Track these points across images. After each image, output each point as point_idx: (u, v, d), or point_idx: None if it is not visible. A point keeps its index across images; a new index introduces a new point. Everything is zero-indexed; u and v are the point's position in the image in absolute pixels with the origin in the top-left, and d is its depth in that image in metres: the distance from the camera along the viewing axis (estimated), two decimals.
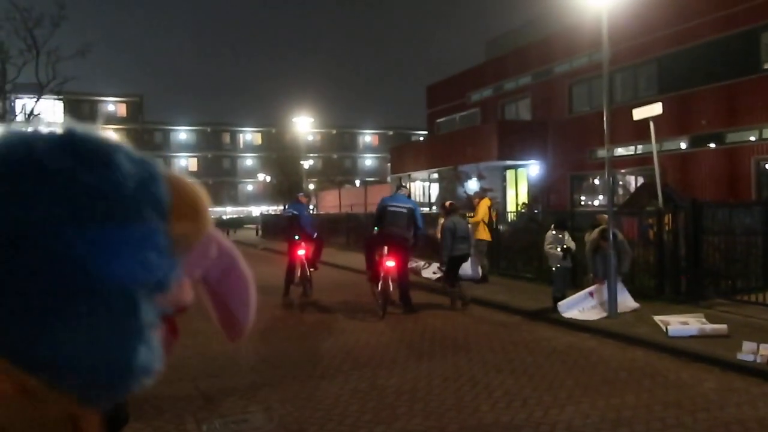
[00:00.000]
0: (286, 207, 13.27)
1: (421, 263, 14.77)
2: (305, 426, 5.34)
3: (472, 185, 25.40)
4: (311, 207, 49.26)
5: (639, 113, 11.98)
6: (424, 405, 5.75)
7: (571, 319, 9.15)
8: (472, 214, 13.25)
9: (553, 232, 10.16)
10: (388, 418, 5.42)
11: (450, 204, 11.44)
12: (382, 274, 10.22)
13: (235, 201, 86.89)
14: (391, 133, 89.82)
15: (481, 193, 16.51)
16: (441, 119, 36.32)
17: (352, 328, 9.45)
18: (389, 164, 43.33)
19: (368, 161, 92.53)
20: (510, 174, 27.98)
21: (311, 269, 12.30)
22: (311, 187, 64.21)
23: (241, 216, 71.32)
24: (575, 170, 24.71)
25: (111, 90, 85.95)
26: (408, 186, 36.60)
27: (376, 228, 10.49)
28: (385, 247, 10.28)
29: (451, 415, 5.47)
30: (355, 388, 6.33)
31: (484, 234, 12.88)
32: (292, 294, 11.94)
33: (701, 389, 6.08)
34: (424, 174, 34.80)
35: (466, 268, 13.16)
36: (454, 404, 5.75)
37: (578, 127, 24.19)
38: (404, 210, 10.29)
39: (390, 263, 10.12)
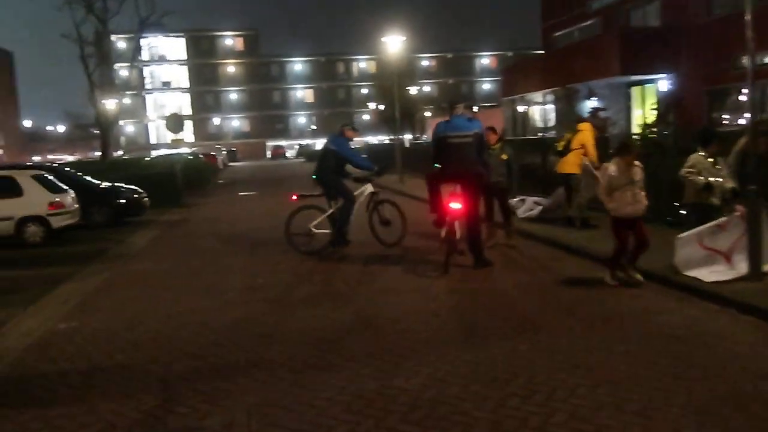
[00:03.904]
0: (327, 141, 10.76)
1: (513, 199, 12.46)
2: None
3: (590, 105, 22.24)
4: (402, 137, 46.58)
5: None
6: None
7: (695, 279, 6.72)
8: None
9: (701, 153, 7.39)
10: None
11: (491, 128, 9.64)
12: (447, 219, 8.23)
13: (359, 132, 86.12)
14: (510, 54, 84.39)
15: (593, 113, 13.78)
16: (558, 33, 32.47)
17: (401, 287, 7.60)
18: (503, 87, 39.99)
19: (486, 85, 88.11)
20: (636, 91, 24.26)
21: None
22: (427, 114, 61.77)
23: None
24: (714, 84, 20.76)
25: (228, 24, 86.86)
26: (525, 110, 33.54)
27: (436, 165, 8.42)
28: (452, 185, 8.24)
29: None
30: (360, 389, 4.52)
31: (570, 167, 10.30)
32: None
33: None
34: (539, 95, 31.47)
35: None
36: None
37: (719, 32, 20.09)
38: (469, 138, 8.09)
39: (455, 205, 8.06)
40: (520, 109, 33.90)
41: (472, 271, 8.15)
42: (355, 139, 10.62)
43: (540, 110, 32.55)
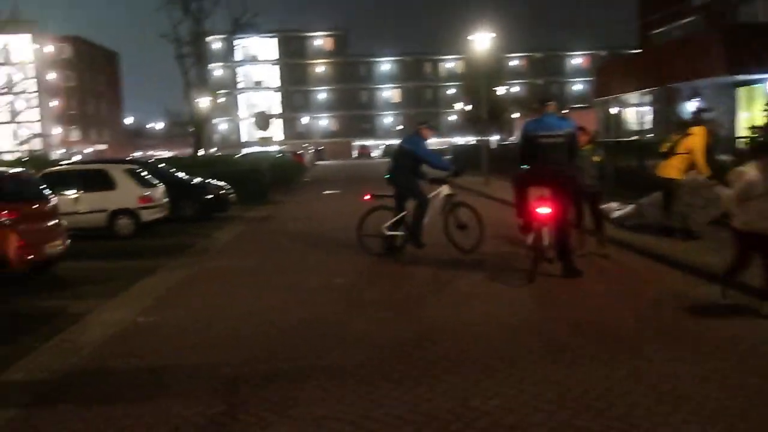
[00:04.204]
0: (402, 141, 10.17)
1: (614, 204, 11.71)
2: None
3: (692, 106, 20.90)
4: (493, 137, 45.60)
5: None
6: None
7: None
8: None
9: None
10: None
11: (582, 128, 8.77)
12: (534, 224, 7.73)
13: (436, 132, 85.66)
14: (604, 53, 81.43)
15: (698, 115, 12.81)
16: (656, 31, 30.86)
17: (482, 295, 7.17)
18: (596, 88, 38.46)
19: (578, 86, 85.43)
20: (742, 92, 22.61)
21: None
22: (515, 115, 60.43)
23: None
24: None
25: (318, 25, 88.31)
26: (619, 111, 32.07)
27: (523, 165, 7.93)
28: (540, 189, 7.75)
29: None
30: (433, 408, 4.17)
31: (672, 170, 9.50)
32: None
33: None
34: (634, 96, 30.02)
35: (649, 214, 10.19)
36: None
37: None
38: (561, 138, 7.56)
39: (543, 210, 7.55)
40: (614, 110, 32.46)
41: (560, 280, 7.62)
42: (433, 138, 10.27)
43: (635, 112, 31.04)
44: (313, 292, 7.62)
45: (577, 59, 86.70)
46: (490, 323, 6.05)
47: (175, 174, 16.87)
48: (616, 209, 11.45)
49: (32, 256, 8.39)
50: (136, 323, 6.66)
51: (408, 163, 9.65)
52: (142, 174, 14.01)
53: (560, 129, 7.56)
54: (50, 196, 9.32)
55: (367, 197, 10.04)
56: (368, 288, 7.85)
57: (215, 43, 72.73)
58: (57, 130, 70.03)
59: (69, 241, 9.33)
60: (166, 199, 14.09)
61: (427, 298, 7.24)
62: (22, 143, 59.62)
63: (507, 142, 43.84)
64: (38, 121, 68.26)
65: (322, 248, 10.94)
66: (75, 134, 74.28)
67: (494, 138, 55.91)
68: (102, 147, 78.48)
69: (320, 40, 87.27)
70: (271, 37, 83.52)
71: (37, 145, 62.42)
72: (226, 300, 7.49)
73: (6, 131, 63.90)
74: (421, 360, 5.11)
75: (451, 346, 5.44)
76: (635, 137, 26.83)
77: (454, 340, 5.60)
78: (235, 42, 73.10)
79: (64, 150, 64.91)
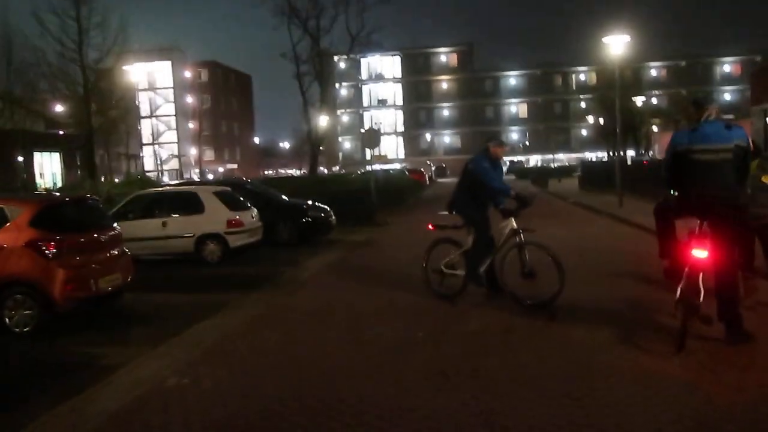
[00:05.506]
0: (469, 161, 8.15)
1: None
2: None
3: None
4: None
5: None
6: None
7: None
8: None
9: None
10: None
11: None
12: (686, 270, 5.66)
13: (566, 147, 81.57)
14: (758, 58, 73.95)
15: None
16: None
17: (607, 370, 5.18)
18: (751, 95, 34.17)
19: (726, 95, 78.12)
20: None
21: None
22: (654, 129, 55.61)
23: (569, 164, 66.21)
24: None
25: (443, 41, 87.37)
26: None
27: (672, 190, 5.91)
28: (696, 222, 5.71)
29: None
30: None
31: None
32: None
33: None
34: None
35: None
36: None
37: None
38: (727, 154, 5.46)
39: (699, 253, 5.48)
40: None
41: (721, 348, 5.49)
42: (504, 157, 8.29)
43: None
44: (387, 355, 5.98)
45: (727, 66, 79.54)
46: (618, 424, 4.14)
47: (275, 195, 15.99)
48: None
49: (82, 293, 7.45)
50: (164, 387, 5.39)
51: (469, 185, 7.94)
52: (234, 196, 13.14)
53: (727, 141, 5.46)
54: (112, 224, 8.44)
55: (431, 227, 8.38)
56: (455, 351, 6.05)
57: (341, 62, 73.99)
58: (192, 151, 73.88)
59: (129, 277, 8.36)
60: (259, 224, 13.14)
61: (528, 370, 5.35)
62: (162, 163, 63.23)
63: (643, 158, 40.16)
64: (175, 142, 72.32)
65: (410, 286, 9.15)
66: (209, 154, 78.09)
67: (629, 153, 51.75)
68: (232, 166, 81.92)
69: (445, 56, 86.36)
70: (393, 55, 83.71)
71: (174, 164, 66.03)
72: (278, 359, 6.05)
73: (148, 151, 68.19)
74: None
75: None
76: None
77: None
78: (361, 60, 73.95)
79: (197, 169, 68.18)
